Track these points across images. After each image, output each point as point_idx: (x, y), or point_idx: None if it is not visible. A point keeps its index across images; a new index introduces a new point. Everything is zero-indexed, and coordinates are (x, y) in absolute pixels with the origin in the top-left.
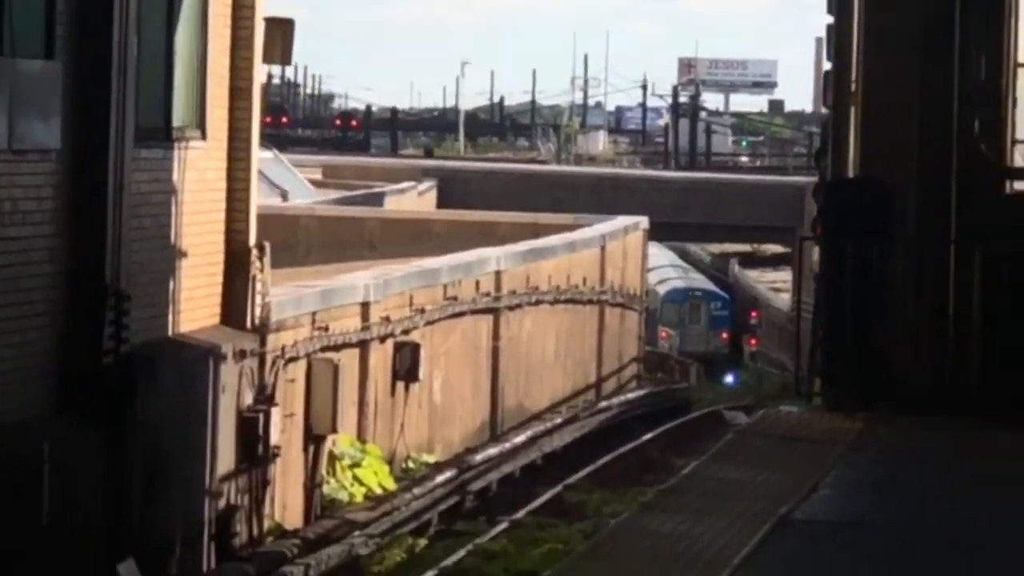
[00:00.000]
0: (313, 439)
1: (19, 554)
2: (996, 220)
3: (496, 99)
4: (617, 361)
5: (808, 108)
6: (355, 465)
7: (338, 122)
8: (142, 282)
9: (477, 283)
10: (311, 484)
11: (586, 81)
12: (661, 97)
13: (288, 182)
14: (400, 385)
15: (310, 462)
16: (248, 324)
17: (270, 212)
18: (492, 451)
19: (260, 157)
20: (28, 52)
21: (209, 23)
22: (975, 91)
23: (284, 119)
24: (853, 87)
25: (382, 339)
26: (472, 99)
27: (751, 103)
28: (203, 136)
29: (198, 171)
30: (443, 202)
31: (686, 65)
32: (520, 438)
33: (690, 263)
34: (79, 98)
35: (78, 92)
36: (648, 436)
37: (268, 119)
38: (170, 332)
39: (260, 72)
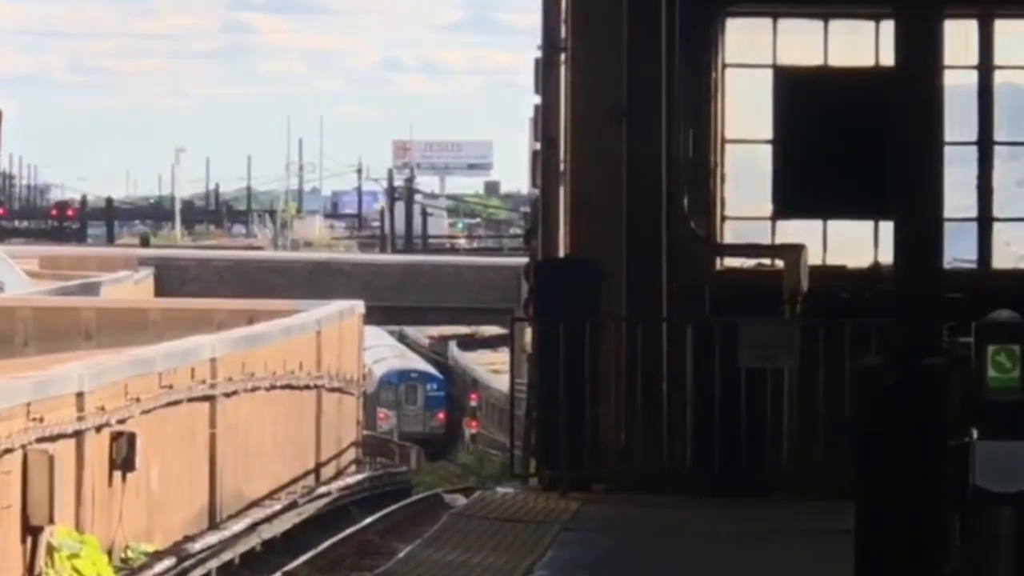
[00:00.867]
0: (30, 531)
1: None
2: (707, 296)
3: (212, 186)
4: (336, 446)
5: (524, 189)
6: (74, 556)
7: (54, 212)
8: None
9: (193, 370)
10: None
11: (301, 167)
12: (376, 181)
13: (3, 274)
14: (118, 474)
15: (28, 554)
16: None
17: None
18: (211, 539)
19: None
20: None
21: None
22: (684, 168)
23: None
24: (562, 166)
25: (98, 429)
26: (188, 186)
27: (467, 185)
28: None
29: None
30: (160, 290)
31: (401, 148)
32: (239, 525)
33: (408, 346)
34: None
35: None
36: (368, 520)
37: None
38: None
39: None
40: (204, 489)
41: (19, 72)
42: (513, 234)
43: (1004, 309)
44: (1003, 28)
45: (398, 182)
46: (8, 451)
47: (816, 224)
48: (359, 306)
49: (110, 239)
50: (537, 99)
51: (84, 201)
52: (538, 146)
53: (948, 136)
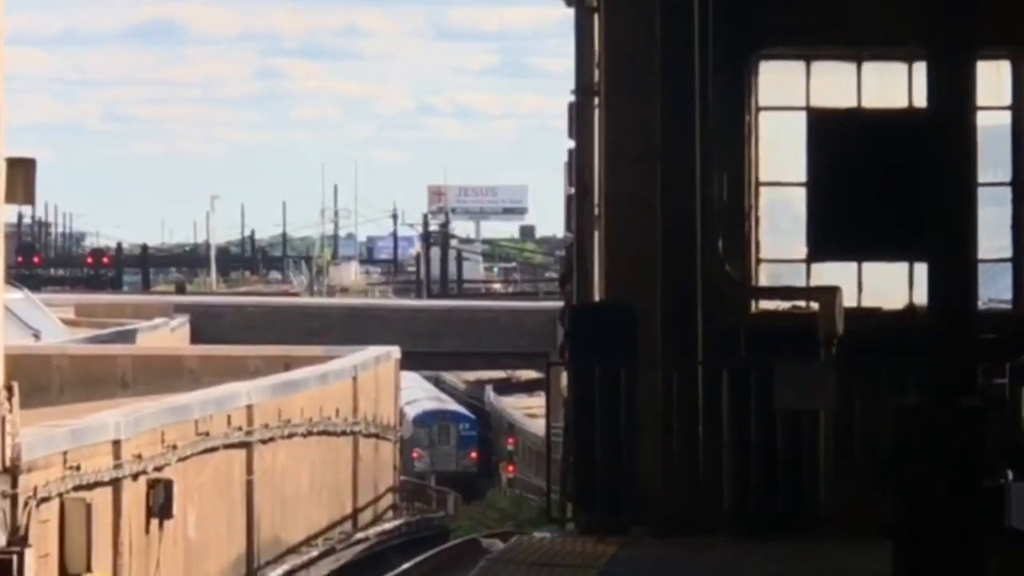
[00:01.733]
0: None
1: None
2: (743, 339)
3: (247, 233)
4: (373, 491)
5: (559, 233)
6: None
7: (90, 260)
8: None
9: (229, 417)
10: None
11: (336, 212)
12: (411, 226)
13: (40, 322)
14: (155, 522)
15: None
16: None
17: (21, 352)
18: None
19: (10, 298)
20: None
21: None
22: (718, 211)
23: (36, 259)
24: (596, 210)
25: (135, 477)
26: (223, 233)
27: (502, 229)
28: None
29: None
30: (196, 337)
31: (435, 193)
32: (277, 572)
33: (445, 391)
34: None
35: None
36: (405, 566)
37: (20, 259)
38: None
39: (4, 212)
40: (241, 536)
41: (53, 120)
42: (548, 278)
43: None
44: None
45: (433, 227)
46: (45, 500)
47: (851, 266)
48: (395, 351)
49: (145, 286)
50: (571, 143)
51: (119, 249)
52: (572, 190)
53: (982, 177)
